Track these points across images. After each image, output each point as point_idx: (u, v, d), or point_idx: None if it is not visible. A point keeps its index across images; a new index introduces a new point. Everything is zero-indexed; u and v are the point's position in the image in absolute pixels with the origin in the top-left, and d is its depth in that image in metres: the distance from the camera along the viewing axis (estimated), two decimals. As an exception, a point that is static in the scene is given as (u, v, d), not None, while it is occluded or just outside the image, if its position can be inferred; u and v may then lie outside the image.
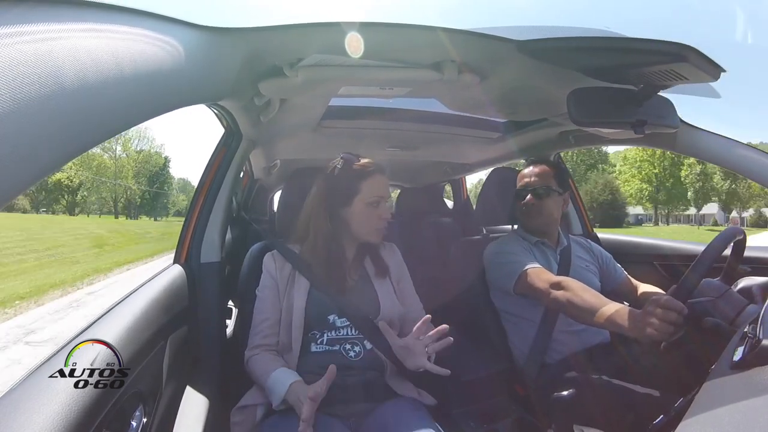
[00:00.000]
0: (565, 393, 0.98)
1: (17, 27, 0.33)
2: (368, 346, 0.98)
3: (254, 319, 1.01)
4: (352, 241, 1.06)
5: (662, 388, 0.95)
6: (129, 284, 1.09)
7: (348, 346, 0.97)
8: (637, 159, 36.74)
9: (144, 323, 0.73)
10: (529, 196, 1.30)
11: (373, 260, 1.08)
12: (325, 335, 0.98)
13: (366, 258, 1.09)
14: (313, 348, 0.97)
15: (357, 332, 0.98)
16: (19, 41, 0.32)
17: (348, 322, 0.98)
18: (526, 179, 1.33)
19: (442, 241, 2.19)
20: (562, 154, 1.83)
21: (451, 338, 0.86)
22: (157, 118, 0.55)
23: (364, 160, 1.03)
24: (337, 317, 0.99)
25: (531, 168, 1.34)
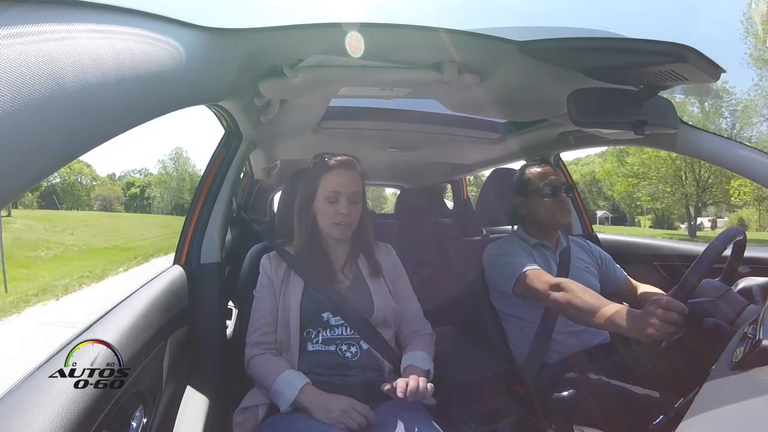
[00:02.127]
0: (565, 393, 0.98)
1: (18, 27, 0.33)
2: (364, 346, 0.98)
3: (252, 317, 1.02)
4: (333, 239, 1.07)
5: (662, 389, 0.95)
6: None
7: (344, 347, 0.97)
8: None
9: (144, 323, 0.73)
10: (562, 194, 1.28)
11: (367, 259, 1.09)
12: (321, 334, 0.98)
13: (360, 257, 1.09)
14: (310, 347, 0.98)
15: (352, 332, 0.99)
16: (19, 42, 0.32)
17: (342, 321, 0.99)
18: (552, 177, 1.30)
19: (442, 242, 2.19)
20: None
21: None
22: (161, 120, 0.55)
23: (335, 158, 1.05)
24: (331, 315, 0.99)
25: (545, 167, 1.33)
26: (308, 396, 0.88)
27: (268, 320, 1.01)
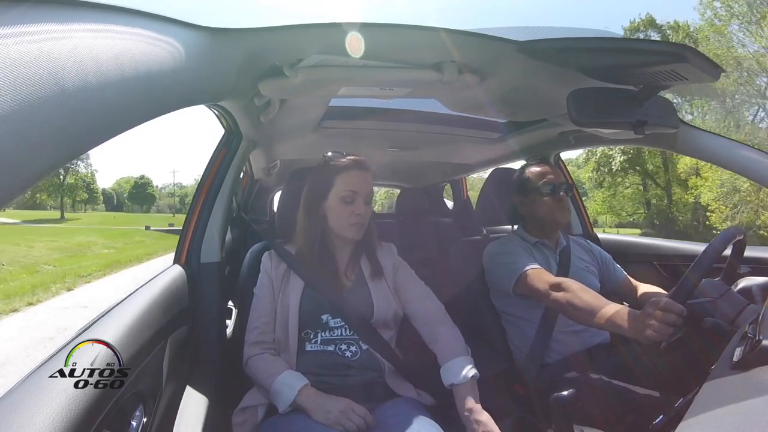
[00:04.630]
0: (565, 393, 0.98)
1: (18, 27, 0.33)
2: (364, 346, 0.98)
3: (251, 316, 1.02)
4: (341, 239, 1.05)
5: (662, 389, 0.95)
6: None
7: (344, 347, 0.97)
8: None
9: (144, 323, 0.72)
10: (561, 193, 1.28)
11: (370, 260, 1.08)
12: (319, 335, 0.98)
13: (362, 258, 1.08)
14: (308, 347, 0.98)
15: (351, 332, 0.98)
16: (19, 41, 0.32)
17: (342, 323, 0.99)
18: (551, 176, 1.30)
19: (442, 242, 2.19)
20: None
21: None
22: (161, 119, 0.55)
23: (347, 157, 1.03)
24: (330, 317, 0.99)
25: (544, 166, 1.33)
26: (307, 397, 0.88)
27: (267, 319, 1.00)
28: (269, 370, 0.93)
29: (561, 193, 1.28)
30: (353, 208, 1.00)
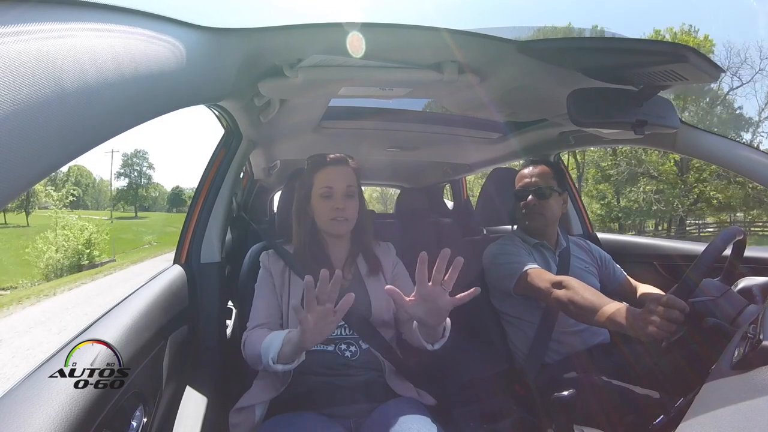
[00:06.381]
0: (565, 393, 0.98)
1: (17, 27, 0.33)
2: (364, 346, 0.98)
3: (252, 313, 1.01)
4: (332, 238, 1.06)
5: (662, 388, 0.95)
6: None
7: (344, 346, 0.97)
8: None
9: (144, 323, 0.73)
10: (530, 197, 1.29)
11: (366, 259, 1.08)
12: None
13: (359, 257, 1.09)
14: None
15: (351, 332, 0.98)
16: (19, 41, 0.32)
17: (342, 322, 0.98)
18: (527, 179, 1.31)
19: (442, 242, 2.19)
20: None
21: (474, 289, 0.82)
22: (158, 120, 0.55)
23: (328, 156, 1.06)
24: None
25: (530, 168, 1.33)
26: (289, 340, 0.83)
27: (270, 312, 1.00)
28: (259, 339, 0.90)
29: (529, 197, 1.29)
30: (332, 203, 1.01)
